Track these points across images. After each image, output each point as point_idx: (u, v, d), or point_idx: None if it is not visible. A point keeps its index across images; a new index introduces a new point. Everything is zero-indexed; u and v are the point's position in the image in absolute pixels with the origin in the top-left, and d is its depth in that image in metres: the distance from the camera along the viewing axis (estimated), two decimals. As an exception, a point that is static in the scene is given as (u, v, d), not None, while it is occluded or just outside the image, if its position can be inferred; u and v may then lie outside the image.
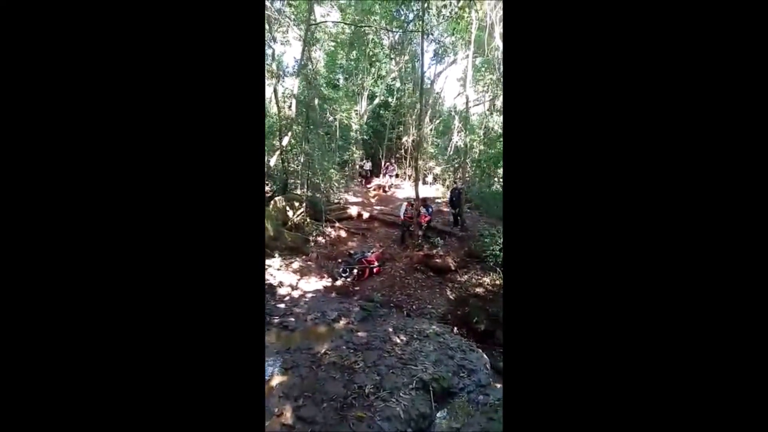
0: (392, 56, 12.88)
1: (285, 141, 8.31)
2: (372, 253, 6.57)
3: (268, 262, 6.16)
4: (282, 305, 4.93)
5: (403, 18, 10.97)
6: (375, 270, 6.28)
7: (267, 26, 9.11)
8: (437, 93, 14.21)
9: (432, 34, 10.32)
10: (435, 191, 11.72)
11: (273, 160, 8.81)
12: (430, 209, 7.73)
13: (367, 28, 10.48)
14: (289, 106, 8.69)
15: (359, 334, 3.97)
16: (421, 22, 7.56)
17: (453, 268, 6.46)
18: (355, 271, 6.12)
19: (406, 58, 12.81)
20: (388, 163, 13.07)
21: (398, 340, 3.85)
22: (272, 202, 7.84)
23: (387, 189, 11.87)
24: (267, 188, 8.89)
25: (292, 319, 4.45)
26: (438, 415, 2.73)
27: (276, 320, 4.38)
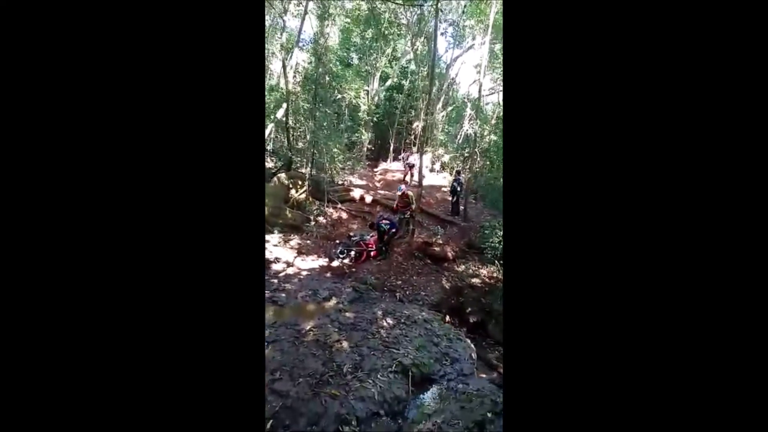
0: (407, 37, 12.46)
1: (280, 113, 8.11)
2: (371, 236, 6.52)
3: (266, 237, 6.19)
4: (275, 280, 4.96)
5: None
6: (372, 254, 6.26)
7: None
8: (452, 78, 13.79)
9: (448, 13, 9.83)
10: (442, 179, 11.54)
11: (267, 130, 8.55)
12: (389, 223, 6.35)
13: (382, 5, 10.12)
14: (298, 82, 8.53)
15: (347, 314, 3.97)
16: (435, 1, 7.26)
17: (451, 258, 6.42)
18: (353, 253, 6.10)
19: (422, 40, 12.40)
20: (408, 153, 12.21)
21: (385, 324, 3.84)
22: (275, 178, 7.81)
23: (408, 180, 11.08)
24: (271, 164, 8.86)
25: (283, 295, 4.48)
26: (413, 400, 2.72)
27: (266, 294, 4.41)
